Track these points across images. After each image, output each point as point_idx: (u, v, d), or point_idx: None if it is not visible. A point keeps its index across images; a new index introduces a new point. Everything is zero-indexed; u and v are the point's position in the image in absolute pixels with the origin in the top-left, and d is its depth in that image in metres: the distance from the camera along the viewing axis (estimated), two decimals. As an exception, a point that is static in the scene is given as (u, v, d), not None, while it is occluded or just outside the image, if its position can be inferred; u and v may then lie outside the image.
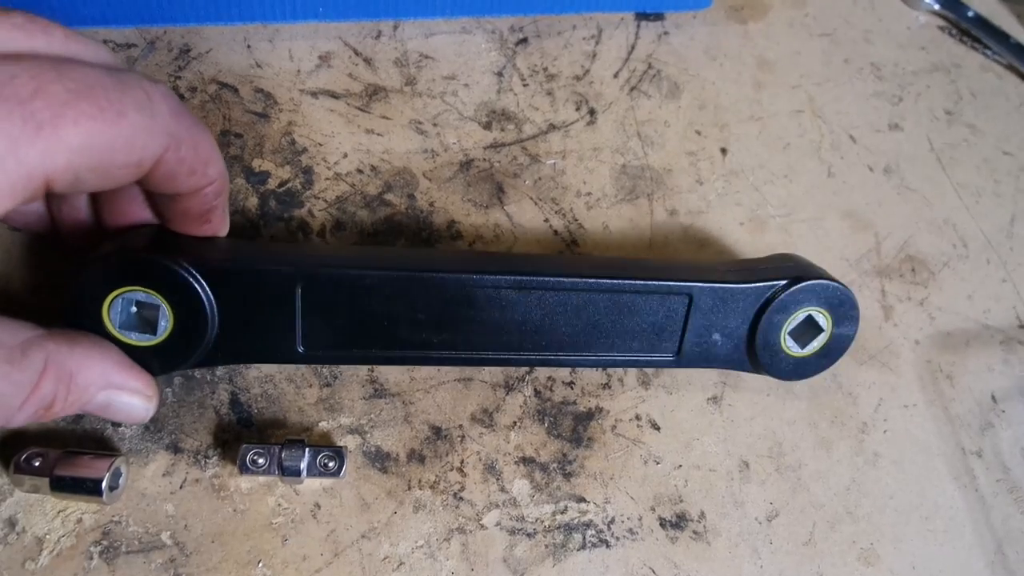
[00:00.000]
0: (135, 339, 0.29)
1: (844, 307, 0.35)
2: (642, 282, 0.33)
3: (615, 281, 0.33)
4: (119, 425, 0.32)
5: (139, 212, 0.30)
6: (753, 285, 0.34)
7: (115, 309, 0.29)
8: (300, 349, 0.31)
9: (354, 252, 0.36)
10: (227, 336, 0.30)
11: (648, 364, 0.36)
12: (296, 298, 0.31)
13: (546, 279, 0.32)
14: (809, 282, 0.34)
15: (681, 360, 0.35)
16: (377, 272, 0.31)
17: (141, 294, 0.29)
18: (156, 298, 0.29)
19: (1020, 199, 0.47)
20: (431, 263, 0.33)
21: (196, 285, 0.29)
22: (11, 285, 0.33)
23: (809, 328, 0.35)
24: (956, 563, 0.36)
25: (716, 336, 0.35)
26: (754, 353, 0.35)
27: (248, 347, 0.31)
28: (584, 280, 0.33)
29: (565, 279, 0.33)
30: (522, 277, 0.32)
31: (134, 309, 0.29)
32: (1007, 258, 0.45)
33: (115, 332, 0.29)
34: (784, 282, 0.34)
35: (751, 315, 0.35)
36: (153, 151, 0.25)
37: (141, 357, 0.29)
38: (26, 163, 0.21)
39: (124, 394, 0.28)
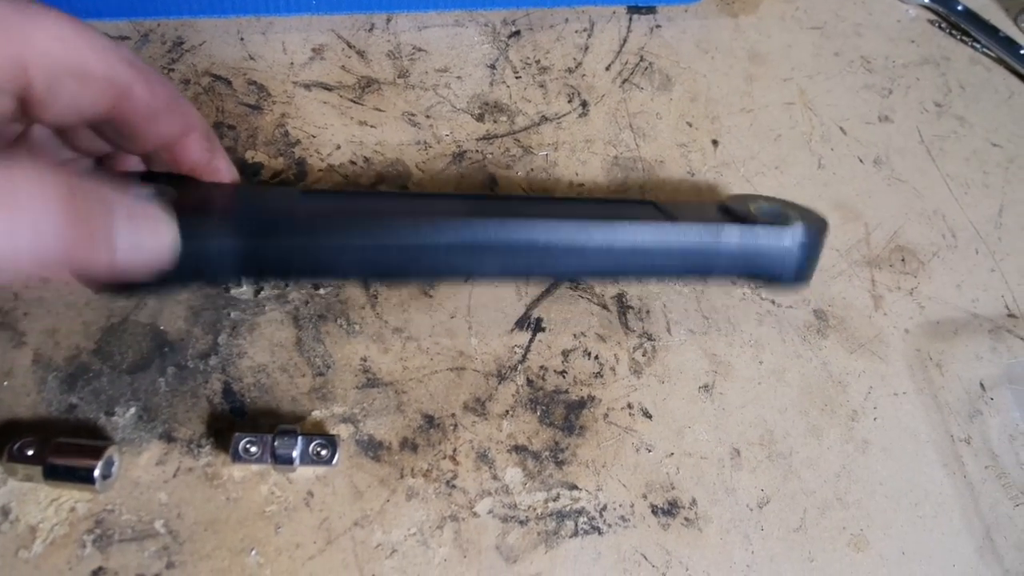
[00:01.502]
0: None
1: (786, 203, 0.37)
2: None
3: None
4: (112, 414, 0.32)
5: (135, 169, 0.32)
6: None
7: None
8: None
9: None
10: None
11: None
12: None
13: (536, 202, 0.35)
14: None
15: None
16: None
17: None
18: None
19: (1008, 190, 0.48)
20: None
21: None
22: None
23: (775, 212, 0.36)
24: (945, 548, 0.37)
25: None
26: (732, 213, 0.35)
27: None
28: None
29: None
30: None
31: None
32: (995, 248, 0.45)
33: None
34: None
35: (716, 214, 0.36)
36: (123, 72, 0.26)
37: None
38: (10, 33, 0.23)
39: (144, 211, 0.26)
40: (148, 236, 0.25)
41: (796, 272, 0.35)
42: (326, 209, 0.32)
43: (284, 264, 0.30)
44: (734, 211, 0.36)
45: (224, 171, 0.32)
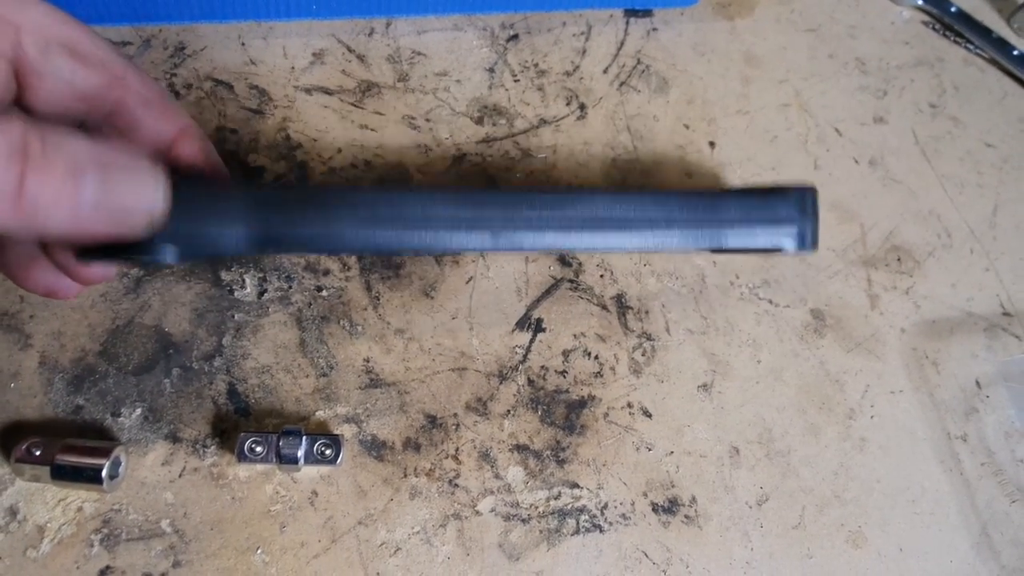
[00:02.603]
0: None
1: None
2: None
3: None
4: (118, 415, 0.32)
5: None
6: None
7: None
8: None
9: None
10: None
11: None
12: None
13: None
14: None
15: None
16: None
17: None
18: None
19: (1002, 190, 0.48)
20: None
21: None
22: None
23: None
24: (942, 545, 0.37)
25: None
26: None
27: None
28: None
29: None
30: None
31: None
32: (990, 247, 0.46)
33: None
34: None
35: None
36: (114, 60, 0.26)
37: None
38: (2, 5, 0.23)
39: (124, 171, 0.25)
40: (126, 188, 0.23)
41: (800, 237, 0.36)
42: (325, 191, 0.32)
43: (283, 236, 0.30)
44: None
45: (218, 174, 0.32)
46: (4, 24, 0.24)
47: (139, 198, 0.24)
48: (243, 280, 0.36)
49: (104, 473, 0.30)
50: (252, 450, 0.32)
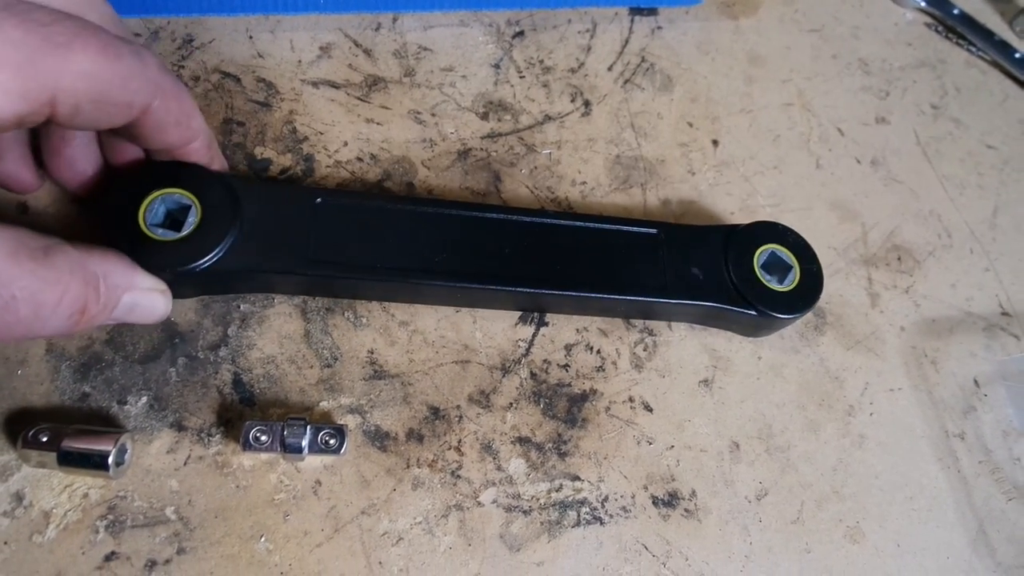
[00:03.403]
0: (160, 235, 0.32)
1: (799, 245, 0.39)
2: (612, 225, 0.38)
3: (588, 223, 0.38)
4: (124, 403, 0.33)
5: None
6: (711, 225, 0.40)
7: (152, 211, 0.32)
8: (308, 259, 0.34)
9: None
10: (245, 242, 0.33)
11: (638, 299, 0.37)
12: (310, 212, 0.34)
13: (538, 218, 0.38)
14: (758, 221, 0.40)
15: (669, 293, 0.37)
16: (382, 197, 0.37)
17: (177, 195, 0.32)
18: (190, 199, 0.33)
19: (1003, 191, 0.49)
20: (434, 200, 0.39)
21: (226, 186, 0.33)
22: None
23: (778, 263, 0.39)
24: (939, 541, 0.37)
25: (695, 270, 0.38)
26: (736, 287, 0.38)
27: (262, 254, 0.33)
28: (566, 222, 0.38)
29: (553, 217, 0.38)
30: (517, 217, 0.37)
31: (167, 210, 0.32)
32: (990, 248, 0.46)
33: (145, 229, 0.32)
34: (736, 225, 0.40)
35: (720, 250, 0.38)
36: (143, 96, 0.28)
37: (164, 252, 0.32)
38: (41, 72, 0.24)
39: (146, 293, 0.30)
40: (145, 315, 0.30)
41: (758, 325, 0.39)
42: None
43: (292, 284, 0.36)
44: (737, 254, 0.39)
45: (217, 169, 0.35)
46: (40, 96, 0.24)
47: (152, 318, 0.31)
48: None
49: (111, 460, 0.30)
50: (257, 439, 0.32)
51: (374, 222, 0.35)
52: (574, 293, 0.36)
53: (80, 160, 0.33)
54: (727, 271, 0.38)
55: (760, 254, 0.39)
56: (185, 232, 0.32)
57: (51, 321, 0.26)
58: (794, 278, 0.38)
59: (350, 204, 0.35)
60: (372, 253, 0.35)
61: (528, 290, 0.36)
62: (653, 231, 0.38)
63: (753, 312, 0.37)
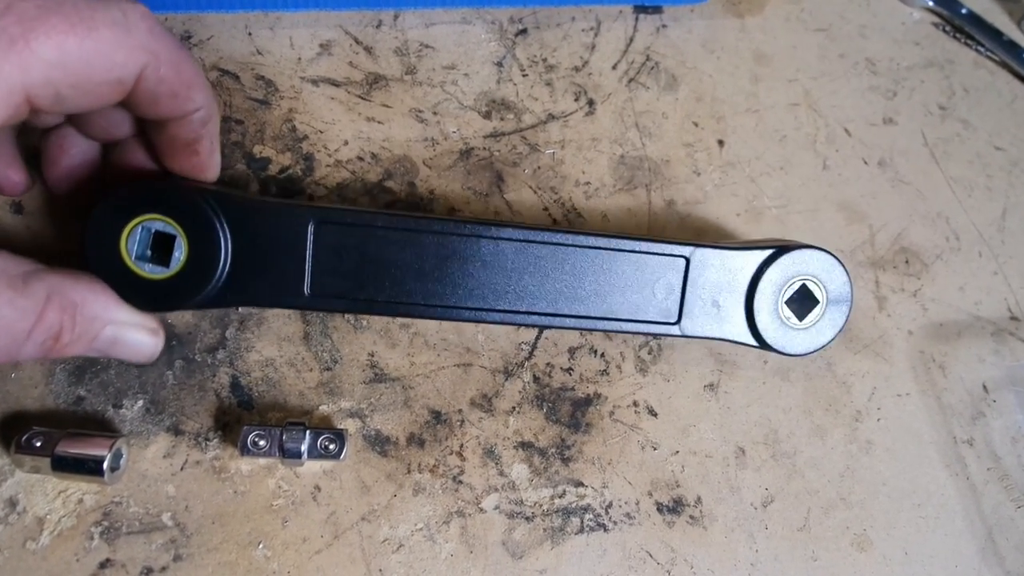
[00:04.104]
0: (148, 271, 0.29)
1: (834, 278, 0.36)
2: (641, 243, 0.34)
3: (614, 240, 0.34)
4: (119, 407, 0.32)
5: (142, 162, 0.31)
6: (747, 251, 0.35)
7: (133, 239, 0.29)
8: (307, 292, 0.32)
9: (365, 207, 0.37)
10: (237, 274, 0.31)
11: (649, 331, 0.35)
12: (308, 237, 0.31)
13: (548, 234, 0.34)
14: (800, 250, 0.36)
15: (683, 326, 0.35)
16: (387, 216, 0.33)
17: (160, 223, 0.29)
18: (174, 228, 0.29)
19: (1012, 193, 0.48)
20: (439, 219, 0.34)
21: (214, 215, 0.30)
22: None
23: (805, 299, 0.36)
24: (947, 549, 0.37)
25: (715, 303, 0.35)
26: (754, 323, 0.35)
27: (256, 287, 0.31)
28: (585, 237, 0.34)
29: (566, 234, 0.34)
30: (525, 231, 0.33)
31: (150, 239, 0.29)
32: (998, 251, 0.46)
33: (130, 263, 0.29)
34: (775, 250, 0.36)
35: (747, 281, 0.35)
36: (131, 68, 0.25)
37: (153, 291, 0.29)
38: (4, 77, 0.22)
39: (131, 329, 0.29)
40: (130, 351, 0.29)
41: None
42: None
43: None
44: (765, 286, 0.36)
45: (213, 170, 0.32)
46: (12, 92, 0.23)
47: (139, 357, 0.30)
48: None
49: (105, 465, 0.29)
50: (255, 444, 0.31)
51: (375, 248, 0.32)
52: (587, 325, 0.34)
53: (78, 171, 0.32)
54: (748, 305, 0.35)
55: (789, 287, 0.36)
56: (173, 269, 0.29)
57: (26, 347, 0.25)
58: (818, 315, 0.36)
59: (348, 226, 0.32)
60: (374, 285, 0.32)
61: (540, 320, 0.34)
62: (682, 260, 0.35)
63: (765, 349, 0.36)
